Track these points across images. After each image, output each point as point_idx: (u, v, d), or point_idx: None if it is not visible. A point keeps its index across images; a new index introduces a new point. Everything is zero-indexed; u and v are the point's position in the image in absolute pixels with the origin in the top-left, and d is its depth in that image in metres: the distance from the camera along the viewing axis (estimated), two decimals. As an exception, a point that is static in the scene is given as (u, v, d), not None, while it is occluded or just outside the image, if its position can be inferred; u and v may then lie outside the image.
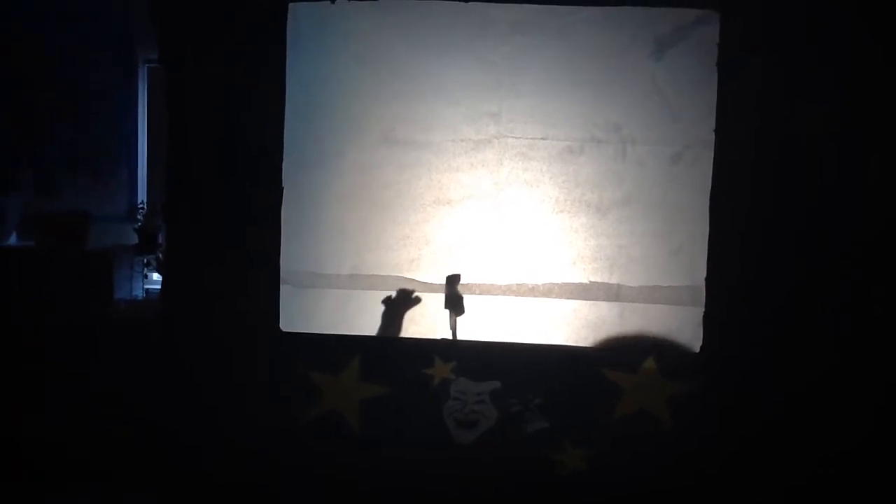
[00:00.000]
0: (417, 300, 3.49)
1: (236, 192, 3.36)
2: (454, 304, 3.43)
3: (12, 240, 4.74)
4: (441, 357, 3.35)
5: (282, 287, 3.38)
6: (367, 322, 3.48)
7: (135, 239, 4.81)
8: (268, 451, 3.36)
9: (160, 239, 4.75)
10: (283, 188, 3.34)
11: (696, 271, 3.28)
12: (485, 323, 3.45)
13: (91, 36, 4.70)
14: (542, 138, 3.44)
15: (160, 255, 4.69)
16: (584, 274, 3.45)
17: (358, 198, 3.50)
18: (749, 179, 3.23)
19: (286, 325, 3.37)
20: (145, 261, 4.88)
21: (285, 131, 3.34)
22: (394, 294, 3.50)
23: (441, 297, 3.46)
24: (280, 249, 3.36)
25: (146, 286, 4.94)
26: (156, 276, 4.93)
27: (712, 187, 3.26)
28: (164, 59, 3.36)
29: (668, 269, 3.41)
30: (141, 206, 4.90)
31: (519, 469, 3.32)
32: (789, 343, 3.22)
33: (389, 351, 3.42)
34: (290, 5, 3.30)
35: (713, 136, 3.26)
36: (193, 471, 3.39)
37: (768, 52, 3.23)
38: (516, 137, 3.45)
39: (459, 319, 3.44)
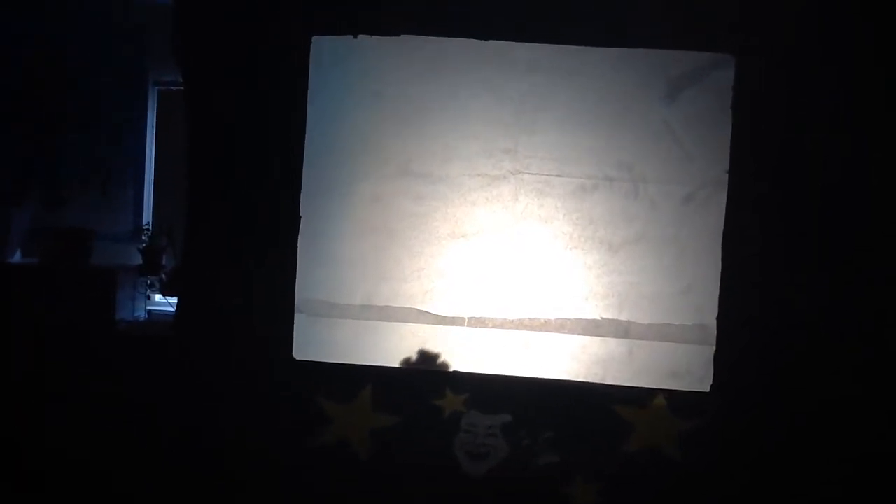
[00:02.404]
0: None
1: (254, 220, 3.40)
2: None
3: (16, 257, 4.72)
4: (452, 389, 3.38)
5: (296, 316, 3.40)
6: (380, 352, 3.49)
7: (139, 259, 4.79)
8: (279, 478, 3.37)
9: (164, 260, 4.74)
10: (300, 217, 3.38)
11: (706, 310, 3.34)
12: (496, 356, 3.47)
13: (104, 57, 4.70)
14: (558, 175, 3.49)
15: (164, 277, 4.68)
16: (595, 310, 3.49)
17: (374, 229, 3.53)
18: (761, 220, 3.31)
19: (299, 353, 3.40)
20: (149, 282, 4.85)
21: (304, 161, 3.38)
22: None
23: (454, 330, 3.49)
24: (295, 278, 3.39)
25: (148, 307, 4.92)
26: (158, 298, 4.91)
27: (725, 227, 3.34)
28: (187, 87, 3.40)
29: (679, 308, 3.45)
30: (146, 227, 4.89)
31: (530, 503, 3.34)
32: (800, 382, 3.27)
33: (401, 381, 3.44)
34: (314, 39, 3.36)
35: (725, 177, 3.35)
36: (202, 496, 3.39)
37: (782, 96, 3.31)
38: (532, 173, 3.50)
39: (473, 353, 3.47)
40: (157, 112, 4.90)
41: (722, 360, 3.31)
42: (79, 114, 4.79)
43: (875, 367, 3.29)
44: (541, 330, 3.49)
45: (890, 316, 3.29)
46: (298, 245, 3.40)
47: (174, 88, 4.61)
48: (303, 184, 3.38)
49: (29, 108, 4.77)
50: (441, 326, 3.51)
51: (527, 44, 3.41)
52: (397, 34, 3.38)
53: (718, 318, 3.31)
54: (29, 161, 4.81)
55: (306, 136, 3.38)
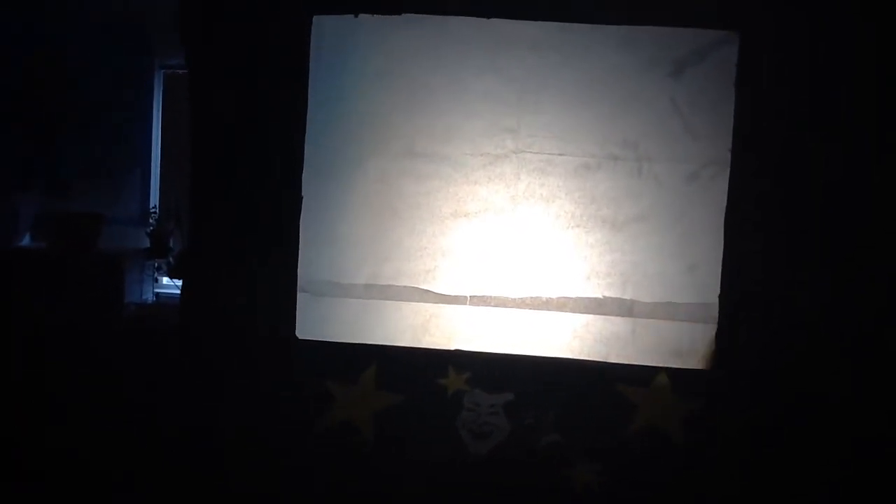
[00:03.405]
0: None
1: (256, 200, 3.41)
2: None
3: (25, 241, 4.75)
4: (455, 368, 3.38)
5: (299, 295, 3.41)
6: (383, 332, 3.50)
7: (146, 243, 4.82)
8: (282, 458, 3.39)
9: (172, 243, 4.77)
10: (302, 197, 3.38)
11: (710, 288, 3.33)
12: (499, 335, 3.48)
13: (110, 41, 4.73)
14: (560, 154, 3.48)
15: (171, 260, 4.70)
16: (598, 289, 3.48)
17: (376, 208, 3.53)
18: (764, 199, 3.29)
19: (303, 332, 3.41)
20: (156, 265, 4.88)
21: (306, 141, 3.38)
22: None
23: (457, 309, 3.49)
24: (298, 257, 3.40)
25: (156, 290, 4.95)
26: (166, 280, 4.94)
27: (727, 206, 3.31)
28: (190, 68, 3.41)
29: (682, 287, 3.44)
30: (153, 210, 4.91)
31: (532, 482, 3.35)
32: (802, 362, 3.26)
33: (404, 360, 3.44)
34: (315, 18, 3.35)
35: (729, 156, 3.31)
36: (204, 476, 3.42)
37: (786, 73, 3.28)
38: (534, 152, 3.49)
39: (476, 331, 3.46)
40: (163, 94, 4.93)
41: (724, 339, 3.30)
42: (86, 98, 4.82)
43: (879, 352, 3.27)
44: (543, 309, 3.49)
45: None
46: (301, 225, 3.39)
47: (180, 71, 4.63)
48: (305, 164, 3.38)
49: (36, 94, 4.81)
50: (444, 305, 3.51)
51: (530, 22, 3.39)
52: (398, 13, 3.37)
53: (721, 297, 3.29)
54: (37, 146, 4.85)
55: (308, 115, 3.37)
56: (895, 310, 3.24)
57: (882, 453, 3.26)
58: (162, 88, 4.95)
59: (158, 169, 5.00)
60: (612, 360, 3.43)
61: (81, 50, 4.75)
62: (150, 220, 4.85)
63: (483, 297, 3.50)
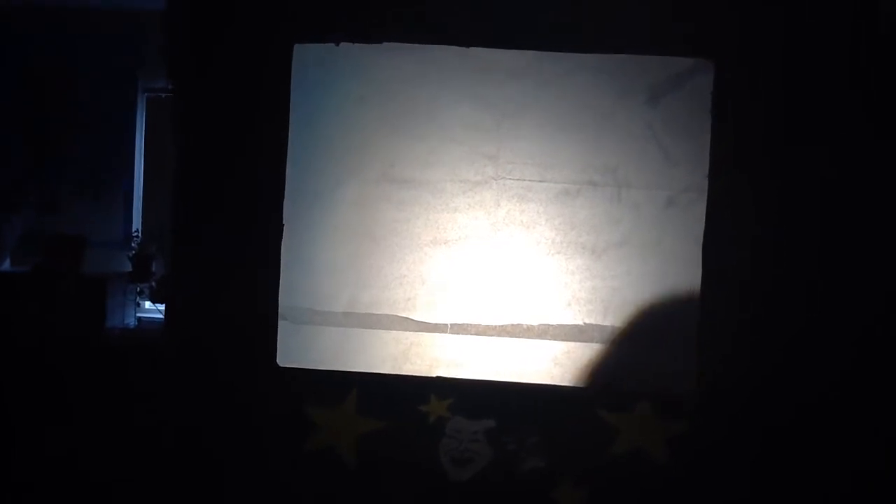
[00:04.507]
0: None
1: (237, 228, 3.41)
2: None
3: (6, 265, 4.75)
4: (436, 395, 3.39)
5: (280, 323, 3.41)
6: (364, 360, 3.50)
7: (129, 266, 4.83)
8: (263, 487, 3.38)
9: (154, 267, 4.77)
10: (283, 224, 3.39)
11: (690, 314, 3.35)
12: (480, 363, 3.48)
13: (94, 65, 4.76)
14: (540, 181, 3.50)
15: (153, 284, 4.71)
16: (578, 315, 3.49)
17: (355, 235, 3.53)
18: (741, 224, 3.31)
19: (283, 360, 3.41)
20: (139, 289, 4.89)
21: (287, 168, 3.39)
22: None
23: (437, 337, 3.50)
24: (279, 285, 3.40)
25: (138, 314, 4.96)
26: (148, 305, 4.94)
27: (705, 232, 3.34)
28: (172, 96, 3.42)
29: (663, 312, 3.44)
30: (136, 234, 4.93)
31: (514, 506, 3.37)
32: (782, 386, 3.28)
33: (385, 387, 3.44)
34: (296, 46, 3.37)
35: (707, 181, 3.34)
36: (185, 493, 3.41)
37: (761, 100, 3.31)
38: (514, 179, 3.50)
39: (457, 359, 3.47)
40: (146, 119, 4.95)
41: (705, 364, 3.32)
42: (70, 122, 4.84)
43: (859, 372, 3.29)
44: (524, 336, 3.49)
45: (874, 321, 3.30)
46: (281, 252, 3.39)
47: (163, 95, 4.66)
48: (285, 191, 3.38)
49: (21, 118, 4.82)
50: (424, 333, 3.51)
51: (508, 50, 3.42)
52: (379, 42, 3.39)
53: (700, 322, 3.31)
54: (20, 169, 4.86)
55: (289, 143, 3.38)
56: (875, 335, 3.26)
57: (869, 463, 3.27)
58: (145, 112, 4.98)
59: (141, 192, 5.02)
60: (594, 386, 3.43)
61: (66, 76, 4.78)
62: (133, 245, 4.87)
63: (464, 325, 3.50)
